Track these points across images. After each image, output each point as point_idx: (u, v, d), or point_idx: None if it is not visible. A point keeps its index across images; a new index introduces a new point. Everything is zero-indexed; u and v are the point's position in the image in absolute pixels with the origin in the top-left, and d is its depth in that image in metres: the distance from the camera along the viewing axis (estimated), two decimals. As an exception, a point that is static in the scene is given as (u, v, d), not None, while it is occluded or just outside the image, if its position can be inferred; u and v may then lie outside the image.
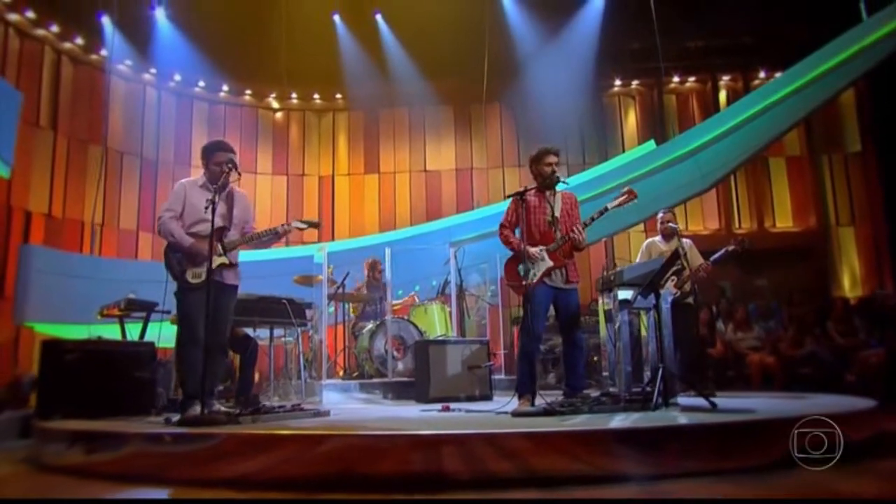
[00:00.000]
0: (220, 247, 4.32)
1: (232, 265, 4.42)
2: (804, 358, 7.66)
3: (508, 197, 4.77)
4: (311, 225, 4.68)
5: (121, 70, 11.63)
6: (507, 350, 8.75)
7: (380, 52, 12.41)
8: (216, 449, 3.21)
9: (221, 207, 4.34)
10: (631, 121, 13.33)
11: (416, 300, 7.91)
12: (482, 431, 3.13)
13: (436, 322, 7.23)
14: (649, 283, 4.26)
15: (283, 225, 4.52)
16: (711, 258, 5.87)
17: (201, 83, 12.57)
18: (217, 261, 4.25)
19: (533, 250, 4.59)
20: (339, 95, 13.36)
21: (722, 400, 4.24)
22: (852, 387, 6.65)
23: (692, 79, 13.17)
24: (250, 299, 5.74)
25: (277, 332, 6.86)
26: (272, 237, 4.52)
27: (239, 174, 4.37)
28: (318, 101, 13.56)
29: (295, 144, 13.49)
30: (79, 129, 10.95)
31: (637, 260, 5.99)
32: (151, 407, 5.05)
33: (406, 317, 7.30)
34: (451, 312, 7.40)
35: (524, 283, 4.51)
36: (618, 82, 13.26)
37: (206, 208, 4.05)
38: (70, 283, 8.57)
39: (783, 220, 12.58)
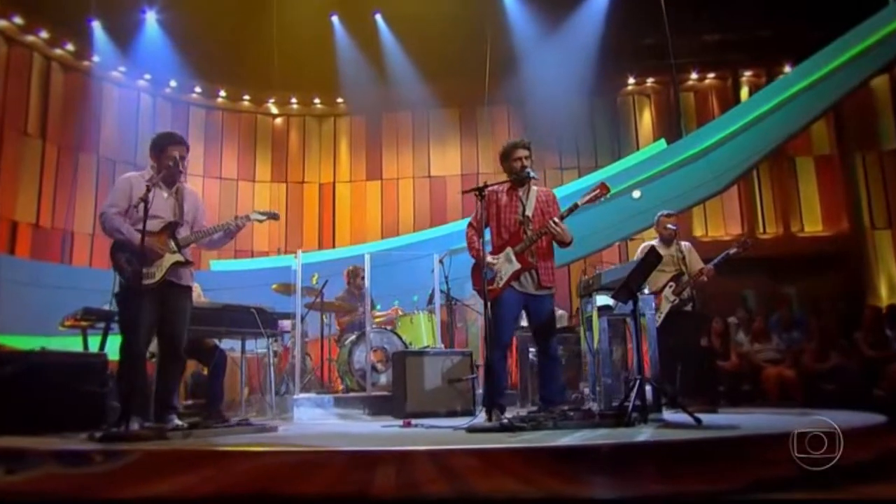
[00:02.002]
0: (173, 243, 4.02)
1: (188, 262, 4.13)
2: (829, 372, 7.05)
3: (465, 193, 4.33)
4: (270, 216, 4.40)
5: (113, 76, 11.41)
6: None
7: (380, 53, 12.01)
8: (132, 468, 2.92)
9: (171, 203, 4.13)
10: (646, 120, 12.67)
11: (400, 311, 7.48)
12: (420, 448, 2.83)
13: (422, 333, 6.81)
14: (623, 287, 3.72)
15: (238, 217, 4.26)
16: (713, 262, 5.48)
17: (197, 89, 12.33)
18: (171, 258, 3.99)
19: (491, 259, 4.21)
20: (340, 100, 13.01)
21: (723, 416, 3.76)
22: (881, 403, 6.01)
23: (711, 75, 12.47)
24: (214, 307, 5.40)
25: (256, 344, 6.53)
26: (227, 233, 4.26)
27: (183, 173, 4.17)
28: (318, 106, 13.21)
29: (295, 151, 13.15)
30: (69, 137, 10.72)
31: (634, 265, 5.54)
32: (102, 422, 4.69)
33: (391, 328, 6.87)
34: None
35: (489, 288, 4.11)
36: (631, 80, 12.64)
37: (148, 202, 3.70)
38: (43, 294, 8.33)
39: (812, 224, 11.79)
